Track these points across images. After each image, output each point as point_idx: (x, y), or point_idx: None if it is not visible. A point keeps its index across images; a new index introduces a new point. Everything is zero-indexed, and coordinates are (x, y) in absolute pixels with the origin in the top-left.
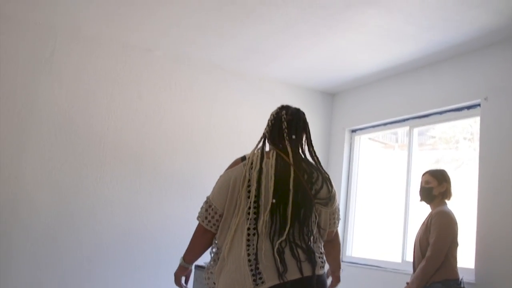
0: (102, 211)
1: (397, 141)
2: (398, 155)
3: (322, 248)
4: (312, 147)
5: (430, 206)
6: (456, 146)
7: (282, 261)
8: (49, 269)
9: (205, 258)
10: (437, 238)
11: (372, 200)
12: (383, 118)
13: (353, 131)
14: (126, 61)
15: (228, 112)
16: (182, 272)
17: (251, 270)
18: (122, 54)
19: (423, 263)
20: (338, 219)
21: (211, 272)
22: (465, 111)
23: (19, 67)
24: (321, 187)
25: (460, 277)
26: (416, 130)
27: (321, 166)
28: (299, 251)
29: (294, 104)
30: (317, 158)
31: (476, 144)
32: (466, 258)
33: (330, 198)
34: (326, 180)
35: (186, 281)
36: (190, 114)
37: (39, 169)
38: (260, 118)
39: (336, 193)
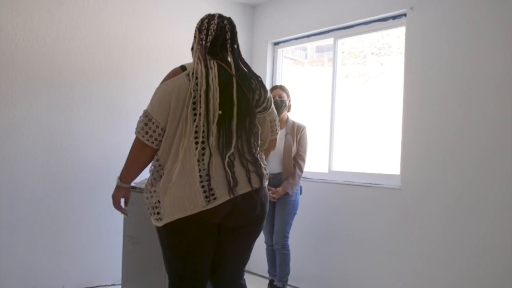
0: (13, 139)
1: (306, 57)
2: (308, 71)
3: (265, 159)
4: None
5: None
6: (364, 61)
7: (233, 174)
8: None
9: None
10: (305, 150)
11: (297, 113)
12: (306, 30)
13: (276, 44)
14: None
15: (145, 26)
16: (120, 193)
17: (203, 186)
18: None
19: (299, 172)
20: (278, 126)
21: (154, 191)
22: (391, 21)
23: None
24: (260, 95)
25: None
26: (340, 42)
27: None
28: (248, 163)
29: None
30: (248, 66)
31: (382, 59)
32: (392, 165)
33: (269, 103)
34: (263, 86)
35: (126, 203)
36: (106, 29)
37: None
38: (178, 33)
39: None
